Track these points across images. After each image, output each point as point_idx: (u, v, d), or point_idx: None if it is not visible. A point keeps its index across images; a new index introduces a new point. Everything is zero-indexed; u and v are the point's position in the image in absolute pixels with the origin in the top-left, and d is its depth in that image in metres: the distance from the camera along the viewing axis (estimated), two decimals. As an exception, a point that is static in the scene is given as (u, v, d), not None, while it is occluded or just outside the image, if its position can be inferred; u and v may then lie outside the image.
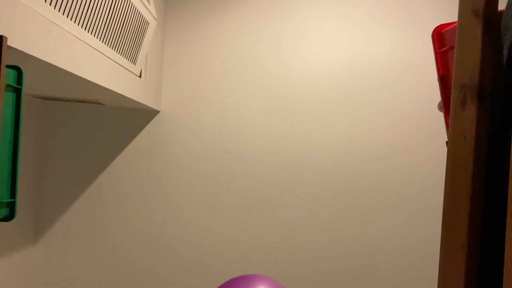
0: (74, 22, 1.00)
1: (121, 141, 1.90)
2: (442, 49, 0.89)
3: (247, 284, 1.30)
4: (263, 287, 1.30)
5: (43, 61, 0.87)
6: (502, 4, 0.65)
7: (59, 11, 0.93)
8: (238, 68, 1.88)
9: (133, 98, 1.50)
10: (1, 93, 0.73)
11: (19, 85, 0.81)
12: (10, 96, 0.80)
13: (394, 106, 1.83)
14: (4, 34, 0.73)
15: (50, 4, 0.89)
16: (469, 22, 0.64)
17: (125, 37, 1.30)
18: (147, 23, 1.44)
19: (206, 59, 1.89)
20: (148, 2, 1.41)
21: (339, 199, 1.84)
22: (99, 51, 1.16)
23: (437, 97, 0.92)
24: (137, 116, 1.90)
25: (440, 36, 0.90)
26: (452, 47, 0.82)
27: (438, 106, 0.95)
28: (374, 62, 1.84)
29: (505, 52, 0.62)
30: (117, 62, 1.31)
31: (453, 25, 0.85)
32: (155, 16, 1.49)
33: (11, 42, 0.74)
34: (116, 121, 1.90)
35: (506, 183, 0.56)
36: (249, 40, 1.88)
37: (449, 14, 1.77)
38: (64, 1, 0.93)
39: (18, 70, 0.81)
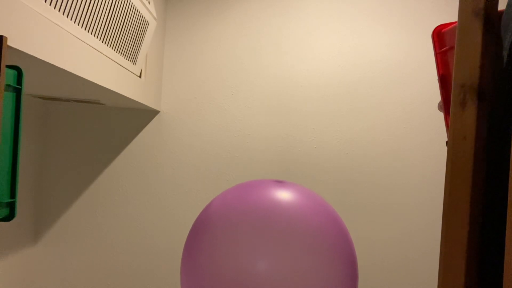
0: (74, 22, 1.00)
1: (121, 141, 1.90)
2: (442, 49, 0.89)
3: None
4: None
5: (43, 61, 0.87)
6: (502, 4, 0.65)
7: (59, 11, 0.93)
8: (238, 68, 1.88)
9: (133, 98, 1.50)
10: (1, 93, 0.73)
11: (19, 85, 0.81)
12: (10, 96, 0.80)
13: (394, 106, 1.84)
14: (4, 34, 0.73)
15: (50, 4, 0.89)
16: (469, 22, 0.64)
17: (125, 37, 1.30)
18: (147, 23, 1.44)
19: (206, 59, 1.90)
20: (148, 2, 1.41)
21: (339, 199, 1.84)
22: (99, 51, 1.16)
23: (437, 97, 0.92)
24: (137, 116, 1.90)
25: (440, 36, 0.90)
26: (452, 47, 0.82)
27: (438, 106, 0.95)
28: (374, 62, 1.84)
29: (505, 52, 0.62)
30: (117, 62, 1.31)
31: (453, 25, 0.85)
32: (155, 16, 1.49)
33: (11, 42, 0.74)
34: (116, 121, 1.90)
35: (506, 183, 0.56)
36: (249, 40, 1.88)
37: (449, 14, 1.77)
38: (64, 1, 0.93)
39: (18, 70, 0.81)
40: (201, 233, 1.10)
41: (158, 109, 1.86)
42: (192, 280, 1.07)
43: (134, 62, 1.45)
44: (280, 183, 1.17)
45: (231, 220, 1.07)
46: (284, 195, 1.11)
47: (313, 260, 1.02)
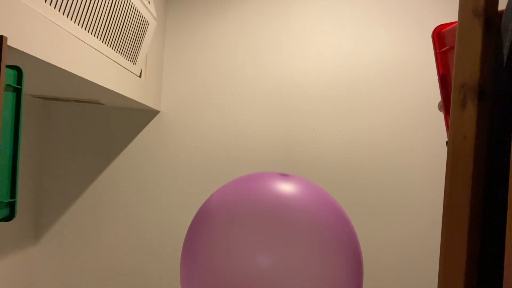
0: (74, 22, 1.00)
1: (121, 141, 1.90)
2: (442, 49, 0.89)
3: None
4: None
5: (43, 61, 0.87)
6: (502, 4, 0.65)
7: (59, 11, 0.93)
8: (238, 68, 1.88)
9: (133, 98, 1.50)
10: (1, 93, 0.73)
11: (19, 85, 0.81)
12: (10, 96, 0.80)
13: (394, 106, 1.83)
14: (4, 34, 0.73)
15: (50, 4, 0.89)
16: (469, 22, 0.64)
17: (125, 37, 1.30)
18: (147, 23, 1.44)
19: (206, 59, 1.89)
20: (148, 2, 1.41)
21: (339, 199, 1.83)
22: (99, 51, 1.16)
23: (437, 97, 0.92)
24: (137, 116, 1.90)
25: (440, 36, 0.90)
26: (452, 47, 0.82)
27: (438, 106, 0.95)
28: (374, 62, 1.84)
29: (505, 52, 0.62)
30: (117, 62, 1.31)
31: (453, 25, 0.85)
32: (155, 16, 1.49)
33: (11, 42, 0.74)
34: (116, 121, 1.90)
35: (506, 183, 0.56)
36: (249, 40, 1.88)
37: (449, 14, 1.77)
38: (64, 1, 0.93)
39: (18, 70, 0.81)
40: (200, 228, 1.06)
41: (158, 109, 1.86)
42: (192, 278, 1.05)
43: (134, 62, 1.45)
44: (284, 176, 1.13)
45: (232, 214, 1.02)
46: (288, 187, 1.07)
47: (319, 254, 0.99)
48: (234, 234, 1.00)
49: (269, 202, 1.02)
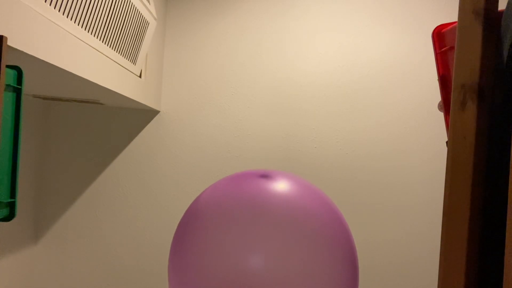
0: (74, 22, 1.00)
1: (121, 141, 1.90)
2: (442, 49, 0.89)
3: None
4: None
5: (43, 61, 0.87)
6: (502, 4, 0.65)
7: (59, 11, 0.93)
8: (238, 68, 1.88)
9: (133, 98, 1.50)
10: (1, 93, 0.73)
11: (19, 85, 0.81)
12: (10, 96, 0.80)
13: (394, 106, 1.83)
14: (4, 34, 0.73)
15: (50, 4, 0.89)
16: (469, 22, 0.64)
17: (125, 37, 1.30)
18: (147, 23, 1.44)
19: (206, 59, 1.89)
20: (148, 2, 1.41)
21: (339, 199, 1.84)
22: (99, 51, 1.16)
23: (437, 97, 0.92)
24: (137, 116, 1.90)
25: (440, 36, 0.90)
26: (452, 47, 0.82)
27: (438, 106, 0.95)
28: (374, 62, 1.84)
29: (505, 52, 0.62)
30: (117, 62, 1.31)
31: (453, 25, 0.85)
32: (155, 16, 1.49)
33: (11, 42, 0.74)
34: (116, 121, 1.90)
35: (506, 183, 0.56)
36: (250, 40, 1.88)
37: (449, 14, 1.77)
38: (64, 1, 0.93)
39: (18, 70, 0.81)
40: (188, 227, 1.04)
41: (158, 109, 1.86)
42: (180, 279, 1.03)
43: (134, 62, 1.45)
44: (265, 176, 1.11)
45: (221, 211, 1.00)
46: (278, 185, 1.05)
47: (313, 251, 0.97)
48: (224, 233, 0.98)
49: (259, 200, 1.01)
